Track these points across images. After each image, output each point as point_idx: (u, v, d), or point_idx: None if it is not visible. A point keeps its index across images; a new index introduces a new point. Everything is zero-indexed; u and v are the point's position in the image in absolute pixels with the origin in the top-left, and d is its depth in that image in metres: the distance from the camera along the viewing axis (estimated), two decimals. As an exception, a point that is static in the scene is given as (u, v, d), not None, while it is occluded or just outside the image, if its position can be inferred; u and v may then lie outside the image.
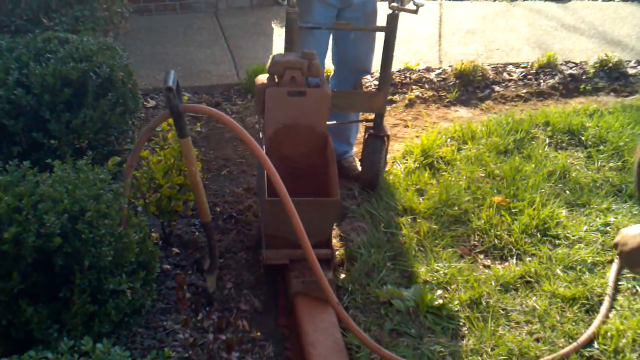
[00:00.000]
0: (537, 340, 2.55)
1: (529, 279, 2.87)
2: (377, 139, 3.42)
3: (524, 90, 4.84)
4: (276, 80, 2.79)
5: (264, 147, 2.82)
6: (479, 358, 2.46)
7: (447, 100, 4.68)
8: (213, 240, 2.64)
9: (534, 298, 2.76)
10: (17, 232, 1.93)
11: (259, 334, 2.58)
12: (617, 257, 1.87)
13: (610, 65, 5.01)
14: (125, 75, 3.03)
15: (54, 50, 2.90)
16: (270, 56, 3.02)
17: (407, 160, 3.75)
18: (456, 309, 2.68)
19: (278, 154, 2.88)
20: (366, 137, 3.47)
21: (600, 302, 2.72)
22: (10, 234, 1.92)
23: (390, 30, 3.14)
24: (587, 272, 2.88)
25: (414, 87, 4.81)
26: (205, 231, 2.62)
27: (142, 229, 2.33)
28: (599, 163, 3.74)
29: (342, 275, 2.90)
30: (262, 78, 2.84)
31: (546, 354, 2.47)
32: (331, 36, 3.50)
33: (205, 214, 2.55)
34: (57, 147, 2.78)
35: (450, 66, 5.04)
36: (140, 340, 2.48)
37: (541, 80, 4.94)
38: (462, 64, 4.85)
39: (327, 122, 2.91)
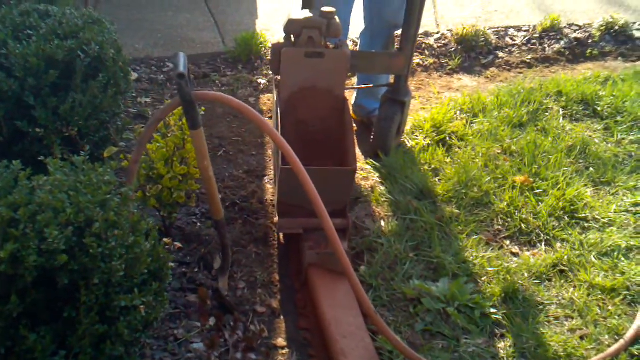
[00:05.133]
0: (582, 338, 2.37)
1: (562, 267, 2.68)
2: (394, 104, 3.20)
3: (529, 56, 4.61)
4: (293, 40, 2.61)
5: (278, 110, 2.60)
6: (523, 361, 2.27)
7: (450, 67, 4.43)
8: (226, 239, 2.39)
9: (571, 290, 2.58)
10: (14, 249, 1.65)
11: (280, 340, 2.37)
12: None
13: (617, 28, 4.81)
14: (115, 53, 2.71)
15: (35, 25, 2.55)
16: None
17: (417, 136, 3.51)
18: (490, 304, 2.48)
19: (293, 118, 2.72)
20: (383, 100, 3.25)
21: (642, 293, 2.56)
22: (7, 252, 1.64)
23: None
24: (623, 259, 2.71)
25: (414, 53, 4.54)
26: (218, 229, 2.37)
27: (150, 232, 2.06)
28: (619, 136, 3.55)
29: (362, 268, 2.67)
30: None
31: (593, 354, 2.29)
32: None
33: (218, 211, 2.29)
34: (44, 137, 2.46)
35: (449, 30, 4.77)
36: (150, 353, 2.23)
37: (546, 45, 4.72)
38: (464, 28, 4.59)
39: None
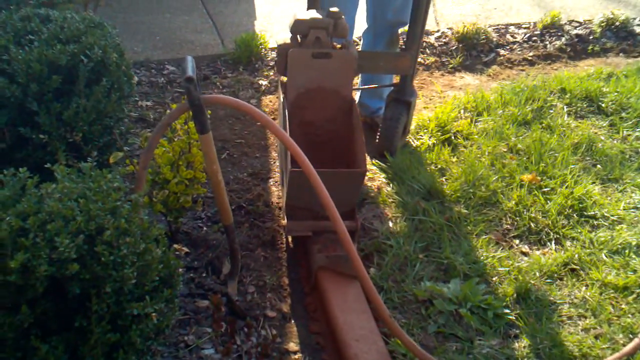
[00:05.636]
0: (596, 337, 2.35)
1: (573, 266, 2.66)
2: (399, 104, 3.18)
3: (531, 54, 4.59)
4: (299, 40, 2.59)
5: (285, 111, 2.58)
6: (539, 362, 2.25)
7: (451, 66, 4.41)
8: (235, 243, 2.36)
9: (583, 288, 2.56)
10: (25, 259, 1.62)
11: (292, 345, 2.34)
12: None
13: (617, 24, 4.80)
14: (118, 57, 2.67)
15: (36, 30, 2.51)
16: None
17: (422, 136, 3.48)
18: (503, 305, 2.45)
19: (299, 120, 2.69)
20: (388, 100, 3.23)
21: (655, 291, 2.54)
22: (17, 262, 1.60)
23: None
24: (634, 257, 2.69)
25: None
26: (227, 234, 2.33)
27: (160, 239, 2.03)
28: (624, 132, 3.54)
29: (372, 270, 2.64)
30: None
31: (609, 353, 2.27)
32: None
33: (228, 216, 2.26)
34: (48, 143, 2.43)
35: (449, 29, 4.75)
36: (162, 361, 2.20)
37: (547, 42, 4.70)
38: (464, 26, 4.57)
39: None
